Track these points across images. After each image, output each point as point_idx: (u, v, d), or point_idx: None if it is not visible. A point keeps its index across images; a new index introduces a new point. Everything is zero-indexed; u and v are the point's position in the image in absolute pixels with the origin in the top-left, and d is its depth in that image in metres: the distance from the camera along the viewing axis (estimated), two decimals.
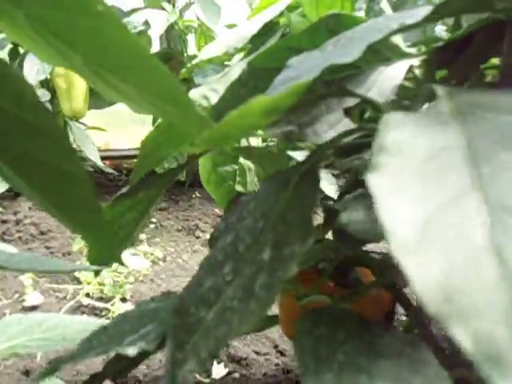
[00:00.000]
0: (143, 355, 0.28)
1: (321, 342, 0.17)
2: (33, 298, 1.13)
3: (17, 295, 1.17)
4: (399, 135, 0.17)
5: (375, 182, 0.15)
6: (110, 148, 2.00)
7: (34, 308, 1.09)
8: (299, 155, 0.39)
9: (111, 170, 1.82)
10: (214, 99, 0.41)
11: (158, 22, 1.37)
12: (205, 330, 0.20)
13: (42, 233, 1.44)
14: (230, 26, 1.83)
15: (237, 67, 0.43)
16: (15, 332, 0.57)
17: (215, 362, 0.70)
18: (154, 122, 1.90)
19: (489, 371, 0.11)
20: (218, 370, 0.67)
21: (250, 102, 0.22)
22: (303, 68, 0.27)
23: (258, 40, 0.47)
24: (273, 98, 0.22)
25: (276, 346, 0.86)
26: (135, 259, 1.33)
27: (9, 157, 0.26)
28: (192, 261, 1.39)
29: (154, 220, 1.58)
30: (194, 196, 1.76)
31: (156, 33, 1.38)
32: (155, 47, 1.70)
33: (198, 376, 0.68)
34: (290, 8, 0.47)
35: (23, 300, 1.14)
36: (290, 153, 0.38)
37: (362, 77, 0.30)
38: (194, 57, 1.82)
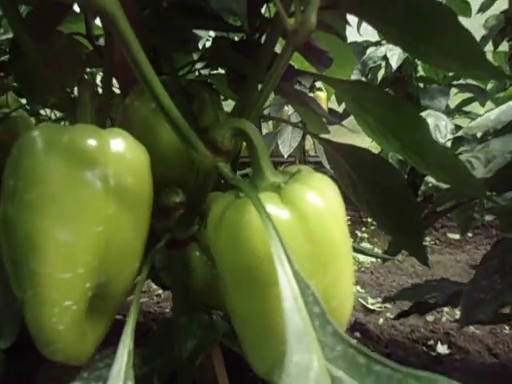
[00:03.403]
0: (433, 305, 0.55)
1: None
2: None
3: None
4: None
5: None
6: None
7: None
8: None
9: None
10: (476, 165, 0.63)
11: (394, 56, 1.61)
12: (486, 301, 0.45)
13: None
14: None
15: (495, 142, 0.64)
16: None
17: (440, 344, 0.91)
18: None
19: None
20: (443, 349, 0.89)
21: None
22: None
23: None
24: None
25: (490, 350, 1.00)
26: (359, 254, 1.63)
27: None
28: (406, 263, 1.60)
29: (374, 222, 1.85)
30: None
31: (394, 64, 1.62)
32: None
33: (425, 348, 0.91)
34: None
35: None
36: None
37: None
38: (421, 77, 1.98)
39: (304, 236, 0.26)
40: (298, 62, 0.64)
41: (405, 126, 0.49)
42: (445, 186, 0.58)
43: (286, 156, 1.79)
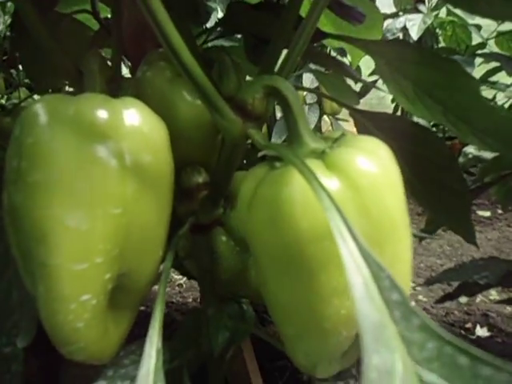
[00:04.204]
0: (485, 286, 0.50)
1: None
2: None
3: None
4: None
5: None
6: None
7: None
8: None
9: None
10: None
11: (414, 27, 1.53)
12: None
13: None
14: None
15: None
16: None
17: (478, 327, 0.87)
18: (395, 110, 2.08)
19: None
20: (482, 332, 0.84)
21: None
22: None
23: None
24: None
25: None
26: None
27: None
28: (433, 243, 1.54)
29: None
30: None
31: (414, 35, 1.53)
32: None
33: (463, 332, 0.87)
34: None
35: None
36: None
37: None
38: (442, 48, 1.88)
39: (357, 209, 0.22)
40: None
41: (449, 87, 0.44)
42: (489, 156, 0.52)
43: None
